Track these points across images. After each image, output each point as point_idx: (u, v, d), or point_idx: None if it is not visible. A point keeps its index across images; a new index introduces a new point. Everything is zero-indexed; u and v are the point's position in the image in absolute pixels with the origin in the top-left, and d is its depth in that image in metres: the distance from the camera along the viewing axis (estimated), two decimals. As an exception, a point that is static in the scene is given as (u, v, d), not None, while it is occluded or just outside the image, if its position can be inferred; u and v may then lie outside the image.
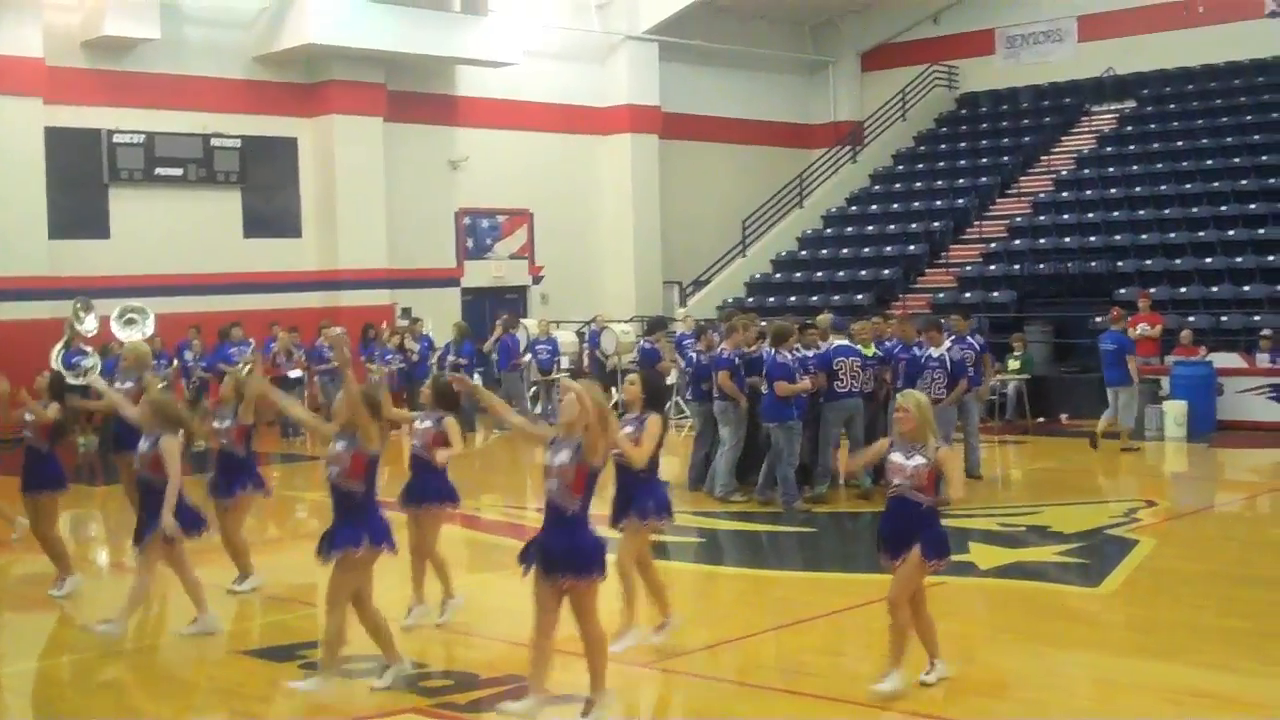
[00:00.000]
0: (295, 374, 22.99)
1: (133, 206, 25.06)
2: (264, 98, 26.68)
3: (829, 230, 31.86)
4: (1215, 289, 23.76)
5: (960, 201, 30.47)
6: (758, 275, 30.64)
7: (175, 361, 22.27)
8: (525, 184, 30.50)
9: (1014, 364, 22.13)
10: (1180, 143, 29.08)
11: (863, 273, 28.84)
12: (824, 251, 30.77)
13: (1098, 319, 23.41)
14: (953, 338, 15.83)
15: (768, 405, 14.47)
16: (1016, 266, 26.66)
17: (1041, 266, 26.28)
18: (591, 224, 31.87)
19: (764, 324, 16.14)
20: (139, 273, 24.37)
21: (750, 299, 28.69)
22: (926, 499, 8.08)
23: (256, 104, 26.57)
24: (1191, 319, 22.54)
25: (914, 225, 30.18)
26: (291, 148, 27.23)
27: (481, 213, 30.21)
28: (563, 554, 7.41)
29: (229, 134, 26.08)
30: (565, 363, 24.92)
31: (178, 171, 25.48)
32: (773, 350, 14.47)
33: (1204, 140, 28.71)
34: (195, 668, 9.44)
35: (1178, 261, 24.88)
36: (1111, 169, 29.22)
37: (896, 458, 8.13)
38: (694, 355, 16.13)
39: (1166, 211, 26.58)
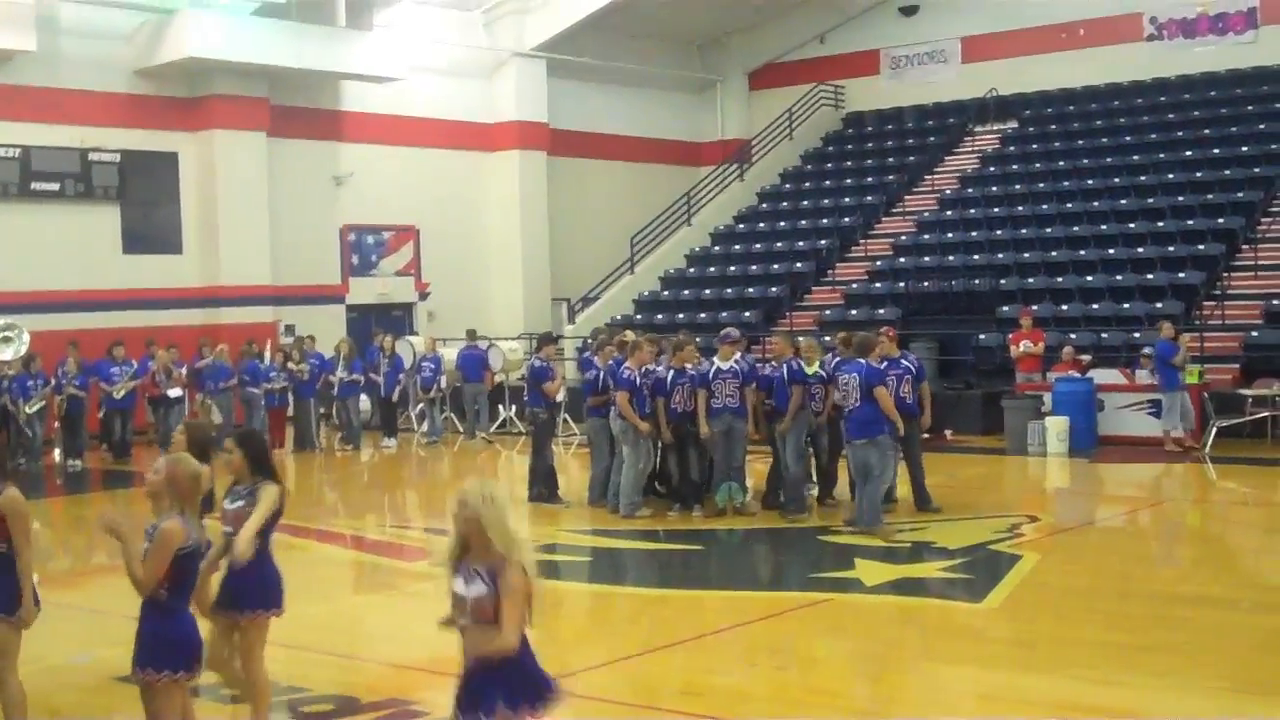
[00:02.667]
0: (175, 393, 22.58)
1: (8, 222, 24.52)
2: (144, 112, 26.24)
3: (717, 248, 31.97)
4: (1096, 306, 24.14)
5: (846, 220, 30.71)
6: (646, 293, 30.66)
7: (51, 381, 21.74)
8: (411, 200, 30.28)
9: (899, 381, 22.27)
10: (1061, 162, 29.57)
11: (750, 290, 28.95)
12: (712, 269, 30.86)
13: (981, 336, 23.70)
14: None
15: (863, 421, 13.81)
16: (901, 284, 26.91)
17: (926, 284, 26.55)
18: (479, 241, 31.70)
19: (664, 341, 16.07)
20: (14, 289, 23.81)
21: (639, 316, 28.69)
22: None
23: (136, 118, 26.12)
24: (1073, 336, 22.86)
25: (801, 243, 30.38)
26: (172, 162, 26.80)
27: (367, 229, 29.95)
28: None
29: (108, 148, 25.64)
30: (444, 382, 24.75)
31: (54, 186, 25.00)
32: (864, 361, 14.17)
33: (1085, 160, 29.21)
34: (64, 694, 9.17)
35: (1059, 279, 25.26)
36: (994, 188, 29.63)
37: (456, 584, 6.11)
38: (596, 371, 15.83)
39: (1048, 230, 26.99)
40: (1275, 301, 22.68)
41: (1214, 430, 19.59)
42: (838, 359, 14.93)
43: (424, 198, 30.45)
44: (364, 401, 24.49)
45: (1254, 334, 22.04)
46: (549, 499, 16.26)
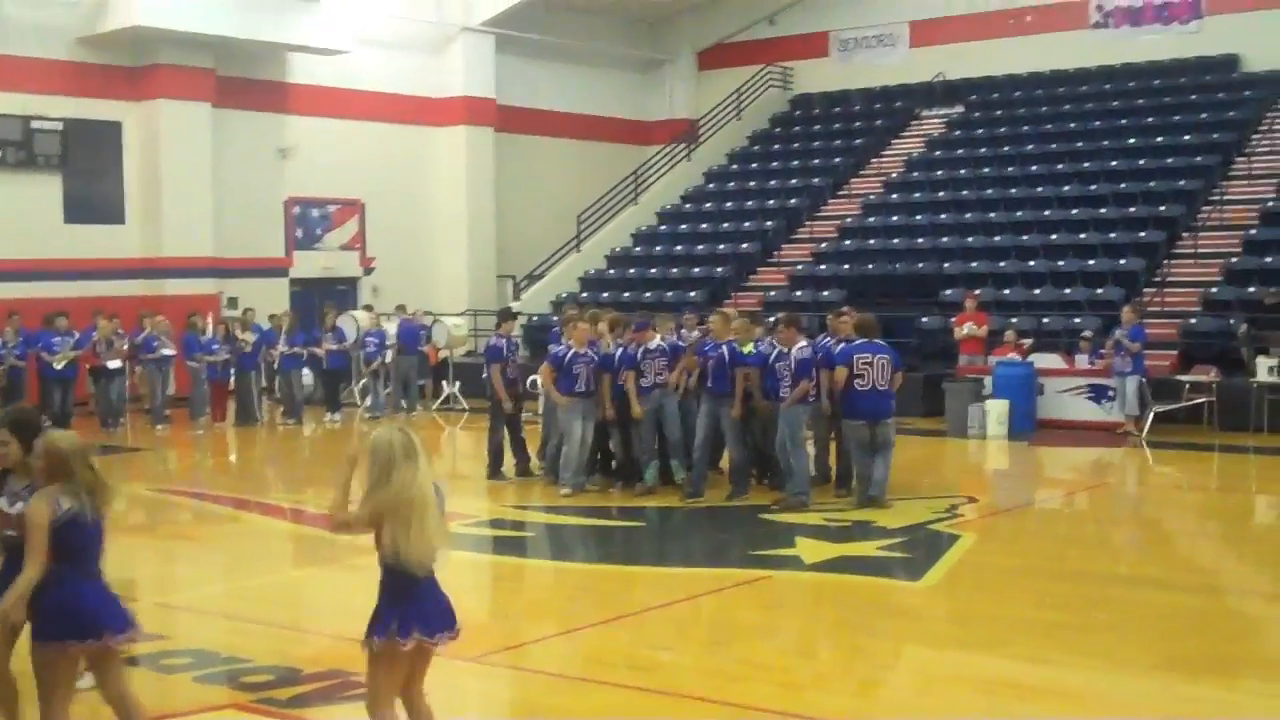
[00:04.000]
0: (115, 364, 22.38)
1: (-52, 189, 24.24)
2: (88, 80, 25.94)
3: (663, 227, 31.99)
4: (1038, 291, 24.33)
5: (793, 201, 30.81)
6: (592, 271, 30.65)
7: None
8: (357, 174, 30.12)
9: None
10: (1007, 148, 29.75)
11: (696, 270, 29.01)
12: (658, 248, 30.89)
13: (924, 319, 23.85)
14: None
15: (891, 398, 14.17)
16: (846, 266, 27.03)
17: (870, 267, 26.67)
18: (425, 216, 31.59)
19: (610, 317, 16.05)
20: (-46, 258, 23.57)
21: (584, 294, 28.66)
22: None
23: (80, 86, 25.82)
24: (1014, 320, 23.05)
25: (747, 224, 30.44)
26: (116, 132, 26.52)
27: (312, 202, 29.79)
28: None
29: (50, 116, 25.31)
30: (389, 356, 24.70)
31: (-5, 153, 24.74)
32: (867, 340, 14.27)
33: (1029, 146, 29.42)
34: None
35: (1002, 264, 25.45)
36: (940, 172, 29.79)
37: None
38: (564, 348, 15.62)
39: (992, 215, 27.17)
40: (1214, 290, 22.95)
41: (1151, 415, 19.82)
42: (770, 339, 14.95)
43: (370, 172, 30.29)
44: (306, 376, 24.37)
45: (1192, 321, 22.29)
46: (504, 471, 16.32)
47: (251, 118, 28.34)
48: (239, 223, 27.91)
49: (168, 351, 22.55)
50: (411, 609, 6.20)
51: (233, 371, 23.39)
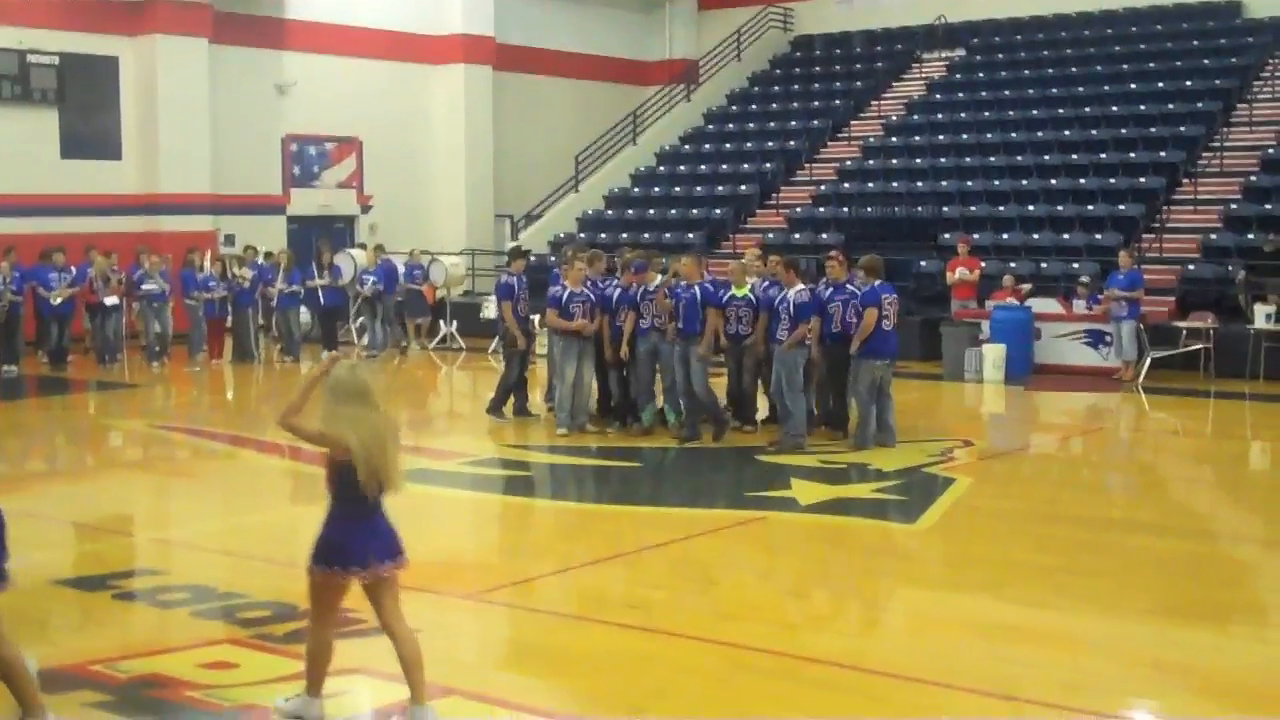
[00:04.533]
0: (112, 300, 22.36)
1: (-57, 122, 24.12)
2: (84, 15, 25.79)
3: (662, 168, 31.88)
4: (1036, 236, 24.30)
5: (792, 144, 30.69)
6: (590, 211, 30.57)
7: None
8: (355, 112, 29.98)
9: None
10: (1007, 92, 29.64)
11: (694, 212, 28.94)
12: (656, 189, 30.80)
13: (922, 262, 23.82)
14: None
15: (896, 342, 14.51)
16: (845, 209, 26.97)
17: (869, 210, 26.62)
18: (423, 155, 31.46)
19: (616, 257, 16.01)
20: (-51, 192, 23.49)
21: (582, 234, 28.62)
22: None
23: (76, 21, 25.68)
24: (1013, 265, 23.01)
25: (746, 166, 30.35)
26: (112, 67, 26.38)
27: (309, 139, 29.66)
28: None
29: (46, 50, 25.17)
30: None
31: (-9, 88, 24.60)
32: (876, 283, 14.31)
33: (1030, 90, 29.28)
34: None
35: (1001, 208, 25.40)
36: (940, 115, 29.68)
37: None
38: (561, 288, 15.51)
39: (992, 159, 27.09)
40: (1213, 236, 22.92)
41: (1148, 361, 19.83)
42: (769, 282, 14.99)
43: (368, 109, 30.15)
44: (304, 314, 24.33)
45: (1190, 268, 22.28)
46: (505, 411, 16.27)
47: (249, 54, 28.17)
48: (236, 159, 27.81)
49: (150, 287, 22.38)
50: (353, 542, 6.36)
51: (230, 309, 23.33)
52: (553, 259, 22.79)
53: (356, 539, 6.37)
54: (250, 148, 28.30)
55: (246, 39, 28.04)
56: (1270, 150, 24.92)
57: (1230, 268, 21.63)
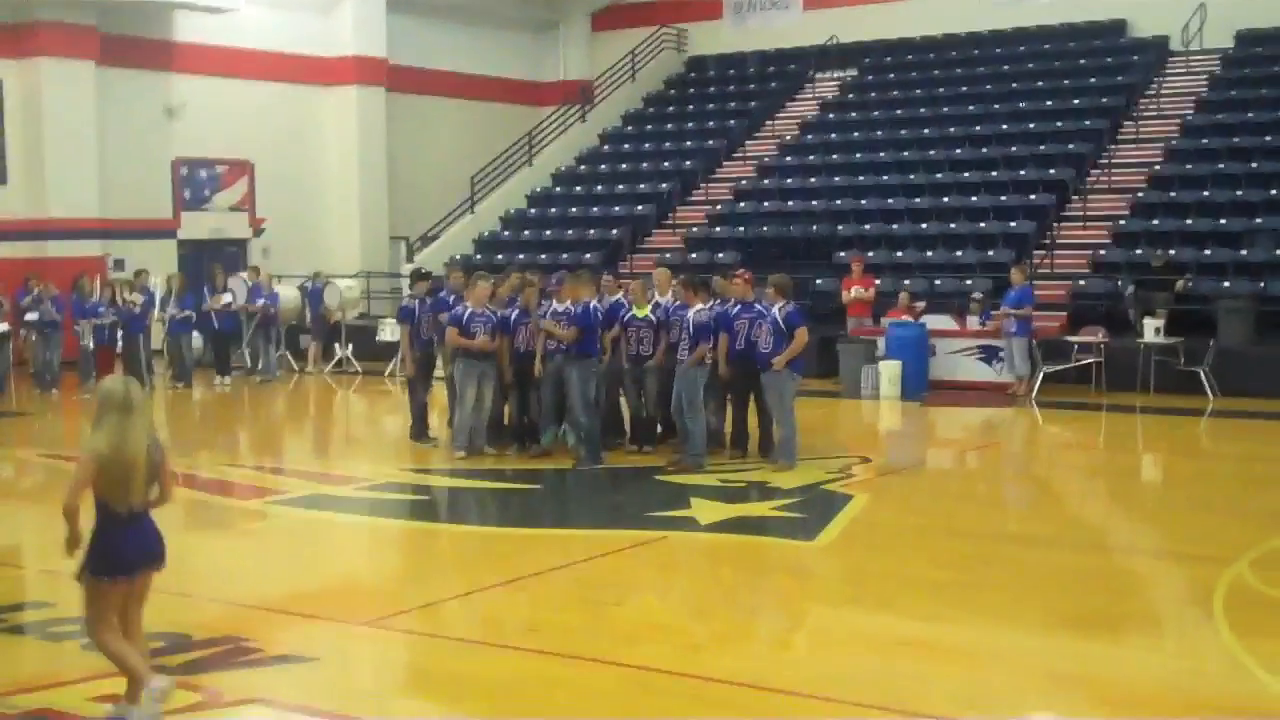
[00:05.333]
0: (1, 328, 21.89)
1: None
2: (-33, 36, 25.34)
3: (558, 189, 31.85)
4: (930, 254, 24.56)
5: (688, 164, 30.81)
6: (486, 233, 30.47)
7: None
8: (246, 134, 29.69)
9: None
10: (899, 111, 29.96)
11: (591, 232, 28.94)
12: (553, 210, 30.76)
13: (818, 280, 23.97)
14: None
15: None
16: (741, 228, 27.09)
17: (765, 229, 26.76)
18: (316, 176, 31.21)
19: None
20: None
21: (479, 256, 28.49)
22: None
23: (-42, 43, 25.22)
24: (907, 282, 23.25)
25: (642, 186, 30.41)
26: (-4, 90, 25.94)
27: (200, 162, 29.30)
28: None
29: (-72, 73, 24.72)
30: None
31: None
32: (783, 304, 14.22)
33: (922, 109, 29.64)
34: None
35: (895, 226, 25.66)
36: (833, 135, 29.94)
37: None
38: (462, 308, 15.34)
39: (885, 178, 27.37)
40: (1102, 252, 23.30)
41: (1041, 376, 20.09)
42: (678, 303, 14.94)
43: (259, 132, 29.87)
44: (195, 339, 23.98)
45: (1081, 283, 22.63)
46: (419, 437, 16.18)
47: (137, 76, 27.83)
48: (125, 183, 27.43)
49: (33, 316, 22.00)
50: (116, 548, 6.64)
51: (120, 335, 22.91)
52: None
53: (124, 546, 6.65)
54: (140, 171, 27.91)
55: (135, 61, 27.68)
56: (1157, 167, 25.40)
57: (1120, 283, 21.99)
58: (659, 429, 15.40)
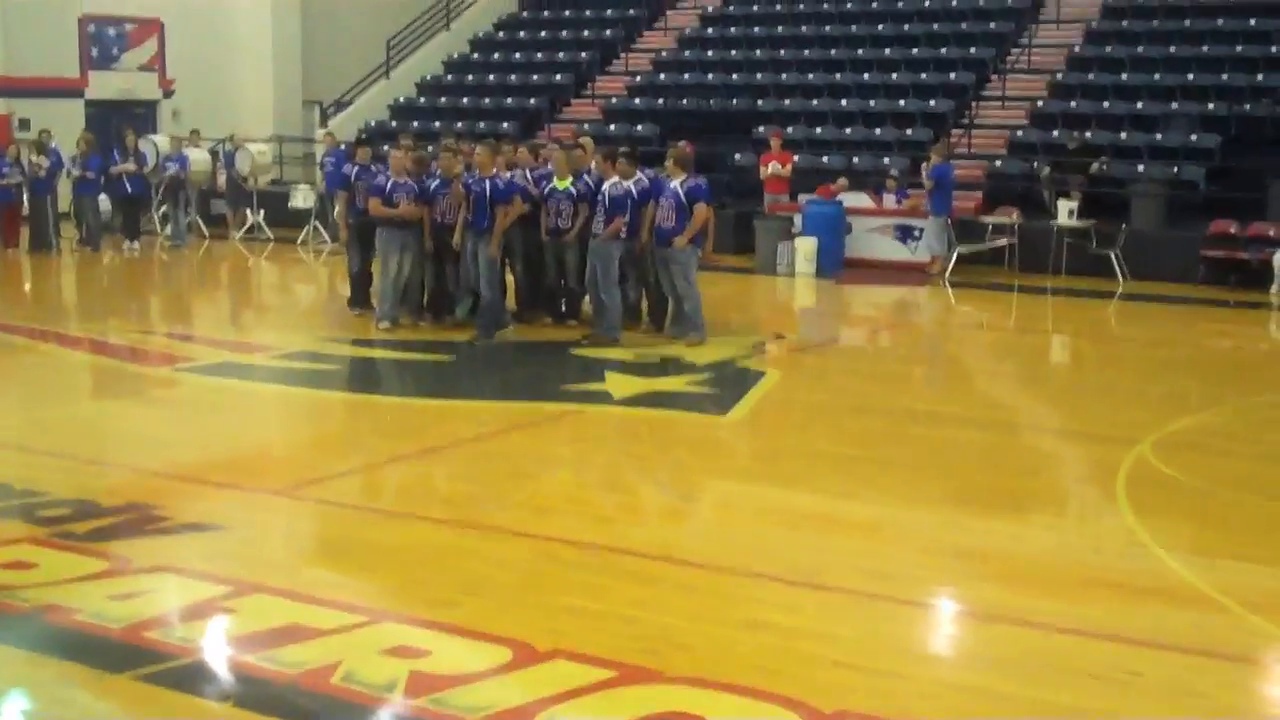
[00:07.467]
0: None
1: None
2: None
3: (476, 55, 31.37)
4: (849, 131, 24.53)
5: (608, 33, 30.45)
6: (402, 99, 30.02)
7: None
8: (156, -10, 28.93)
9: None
10: (821, -15, 29.71)
11: (509, 100, 28.60)
12: (470, 77, 30.32)
13: (737, 155, 23.90)
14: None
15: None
16: (660, 101, 26.89)
17: (685, 102, 26.58)
18: (228, 38, 30.51)
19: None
20: None
21: (394, 122, 28.10)
22: None
23: None
24: (825, 159, 23.23)
25: (561, 54, 30.04)
26: (-106, -61, 25.08)
27: (108, 20, 28.53)
28: None
29: None
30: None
31: None
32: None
33: (844, -16, 29.40)
34: None
35: (814, 102, 25.57)
36: (755, 8, 29.65)
37: None
38: (384, 178, 15.05)
39: (806, 53, 27.21)
40: (1019, 133, 23.37)
41: (955, 256, 20.24)
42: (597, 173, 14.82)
43: (170, -11, 29.12)
44: (104, 202, 23.54)
45: (997, 163, 22.72)
46: (357, 305, 15.92)
47: (42, -72, 26.97)
48: (29, 40, 26.70)
49: None
50: None
51: (26, 196, 22.46)
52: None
53: None
54: (44, 28, 27.12)
55: (40, -88, 26.83)
56: (1076, 49, 25.41)
57: (1035, 164, 22.12)
58: (561, 304, 15.40)
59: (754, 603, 6.90)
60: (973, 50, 25.80)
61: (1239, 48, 23.57)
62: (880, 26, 27.34)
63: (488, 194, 14.23)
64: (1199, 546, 7.95)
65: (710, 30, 29.34)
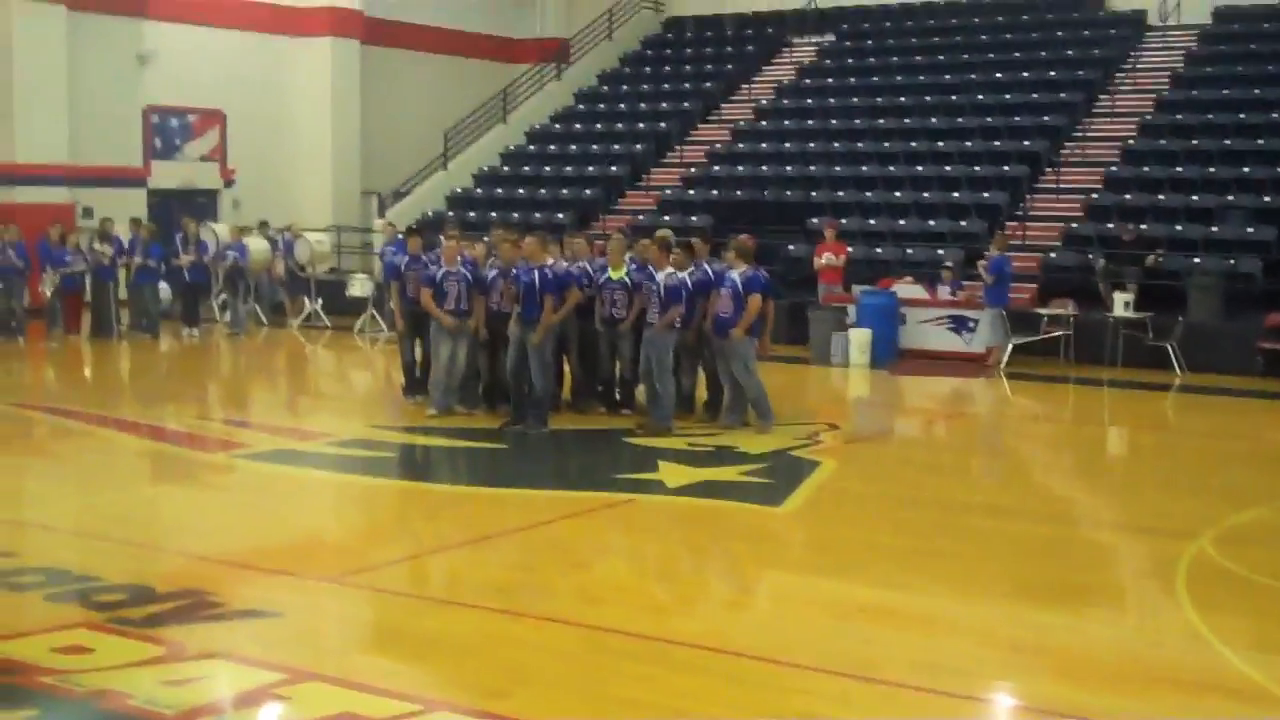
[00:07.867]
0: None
1: None
2: (-65, -22, 25.04)
3: (532, 147, 31.73)
4: (902, 222, 24.58)
5: (663, 125, 30.72)
6: (459, 189, 30.35)
7: None
8: (219, 83, 29.49)
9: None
10: (876, 78, 29.92)
11: (564, 191, 28.85)
12: (526, 168, 30.64)
13: (790, 246, 23.98)
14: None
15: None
16: (714, 192, 27.05)
17: (739, 193, 26.73)
18: (288, 128, 31.00)
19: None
20: None
21: (451, 213, 28.39)
22: None
23: (-73, -16, 24.91)
24: (879, 250, 23.27)
25: (616, 146, 30.33)
26: (-34, 34, 25.66)
27: (171, 111, 29.07)
28: None
29: (-104, 14, 24.41)
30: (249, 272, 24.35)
31: None
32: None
33: (898, 77, 29.59)
34: None
35: (868, 194, 25.65)
36: (809, 101, 29.89)
37: None
38: (437, 267, 15.14)
39: (859, 145, 27.34)
40: (1074, 225, 23.34)
41: (1010, 347, 20.16)
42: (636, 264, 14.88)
43: (232, 82, 29.66)
44: (164, 290, 23.85)
45: (1052, 255, 22.68)
46: (411, 393, 15.96)
47: (109, 21, 27.60)
48: (95, 130, 27.21)
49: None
50: None
51: (88, 283, 22.80)
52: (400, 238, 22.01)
53: None
54: (110, 118, 27.69)
55: (107, 6, 27.47)
56: (1131, 141, 25.43)
57: (1091, 256, 22.06)
58: (615, 393, 15.41)
59: (805, 694, 6.83)
60: (1027, 143, 25.85)
61: (1295, 141, 23.54)
62: (934, 119, 27.46)
63: (537, 284, 14.28)
64: (1261, 642, 7.83)
65: (764, 123, 29.56)
